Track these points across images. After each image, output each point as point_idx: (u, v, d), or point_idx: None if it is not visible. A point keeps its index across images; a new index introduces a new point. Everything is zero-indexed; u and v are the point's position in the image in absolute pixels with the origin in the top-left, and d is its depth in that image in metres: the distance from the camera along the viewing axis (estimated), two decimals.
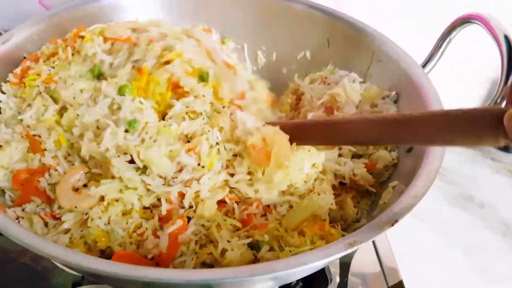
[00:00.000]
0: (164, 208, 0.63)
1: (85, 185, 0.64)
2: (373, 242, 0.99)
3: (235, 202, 0.65)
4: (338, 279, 0.85)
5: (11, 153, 0.68)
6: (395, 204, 0.58)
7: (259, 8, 1.02)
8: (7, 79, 0.79)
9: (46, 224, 0.64)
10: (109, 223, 0.62)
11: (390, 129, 0.57)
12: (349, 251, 0.51)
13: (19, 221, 0.63)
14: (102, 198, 0.63)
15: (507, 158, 1.31)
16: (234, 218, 0.64)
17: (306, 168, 0.66)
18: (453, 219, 1.20)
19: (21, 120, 0.72)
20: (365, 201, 0.74)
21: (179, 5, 0.99)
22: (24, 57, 0.86)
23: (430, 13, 1.18)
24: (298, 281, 0.85)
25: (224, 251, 0.60)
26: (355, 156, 0.79)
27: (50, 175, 0.66)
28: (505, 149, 1.29)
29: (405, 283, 0.86)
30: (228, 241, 0.61)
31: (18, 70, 0.80)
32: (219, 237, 0.61)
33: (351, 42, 0.91)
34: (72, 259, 0.49)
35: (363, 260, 0.92)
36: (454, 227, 1.17)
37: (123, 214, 0.63)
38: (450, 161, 1.33)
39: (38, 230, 0.62)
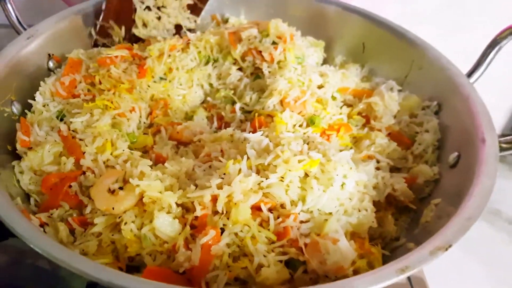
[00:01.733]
0: (199, 210, 0.59)
1: (120, 188, 0.62)
2: None
3: (269, 210, 0.61)
4: None
5: (43, 155, 0.66)
6: (446, 227, 0.54)
7: (290, 9, 0.99)
8: (51, 87, 0.78)
9: (72, 232, 0.61)
10: (141, 228, 0.59)
11: None
12: (401, 277, 0.48)
13: (43, 228, 0.61)
14: (138, 202, 0.61)
15: None
16: (269, 230, 0.60)
17: (349, 186, 0.62)
18: (479, 234, 1.16)
19: (65, 123, 0.72)
20: (404, 218, 0.70)
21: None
22: (49, 54, 0.84)
23: (464, 18, 1.13)
24: None
25: (259, 266, 0.56)
26: (393, 170, 0.74)
27: (86, 177, 0.65)
28: None
29: None
30: (264, 256, 0.57)
31: (66, 81, 0.78)
32: (255, 251, 0.57)
33: (389, 48, 0.87)
34: (103, 276, 0.46)
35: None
36: (481, 241, 1.14)
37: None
38: None
39: (63, 237, 0.60)
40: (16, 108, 0.74)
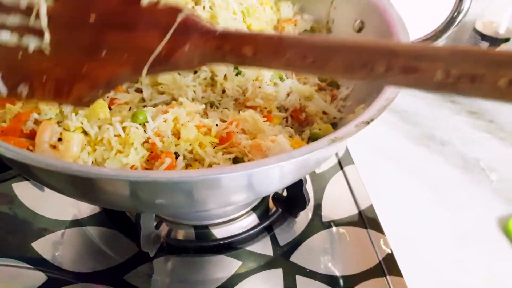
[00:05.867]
0: (158, 142, 0.61)
1: (59, 139, 0.59)
2: (345, 176, 1.03)
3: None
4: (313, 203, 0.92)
5: None
6: (369, 108, 0.61)
7: None
8: None
9: None
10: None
11: None
12: (332, 146, 0.54)
13: None
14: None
15: (466, 100, 1.38)
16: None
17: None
18: (416, 156, 1.27)
19: None
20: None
21: None
22: None
23: None
24: (277, 207, 0.89)
25: (210, 165, 0.61)
26: None
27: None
28: None
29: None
30: (213, 156, 0.62)
31: None
32: (205, 154, 0.62)
33: None
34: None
35: (335, 192, 0.98)
36: (418, 163, 1.24)
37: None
38: (412, 105, 1.40)
39: None
40: None
